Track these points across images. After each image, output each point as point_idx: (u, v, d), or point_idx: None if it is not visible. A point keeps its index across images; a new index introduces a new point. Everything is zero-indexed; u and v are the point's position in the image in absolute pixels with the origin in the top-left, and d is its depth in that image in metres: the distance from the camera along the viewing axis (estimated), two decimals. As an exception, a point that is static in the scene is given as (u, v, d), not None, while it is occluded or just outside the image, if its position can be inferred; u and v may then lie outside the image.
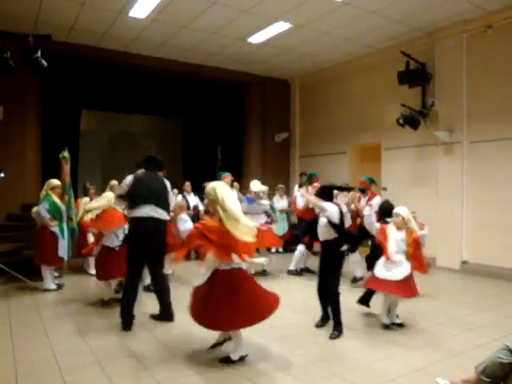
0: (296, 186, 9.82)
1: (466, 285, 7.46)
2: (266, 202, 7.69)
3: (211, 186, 3.87)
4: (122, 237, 5.73)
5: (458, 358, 4.00)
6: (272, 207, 9.75)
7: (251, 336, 4.49)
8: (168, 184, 5.14)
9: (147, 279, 6.02)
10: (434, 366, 3.79)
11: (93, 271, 7.69)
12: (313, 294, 4.93)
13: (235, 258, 3.74)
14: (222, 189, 3.82)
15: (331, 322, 4.70)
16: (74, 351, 4.11)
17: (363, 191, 7.15)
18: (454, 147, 8.47)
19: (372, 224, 6.06)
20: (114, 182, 7.15)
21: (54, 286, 6.53)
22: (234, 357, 3.85)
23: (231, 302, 3.67)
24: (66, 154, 6.79)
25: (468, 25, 8.12)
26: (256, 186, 7.64)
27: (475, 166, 8.18)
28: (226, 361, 3.85)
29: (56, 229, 6.47)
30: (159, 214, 4.83)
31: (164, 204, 4.92)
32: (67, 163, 6.81)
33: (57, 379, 3.49)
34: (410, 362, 3.89)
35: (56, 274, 6.91)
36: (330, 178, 9.64)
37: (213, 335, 4.19)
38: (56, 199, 6.54)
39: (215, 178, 9.97)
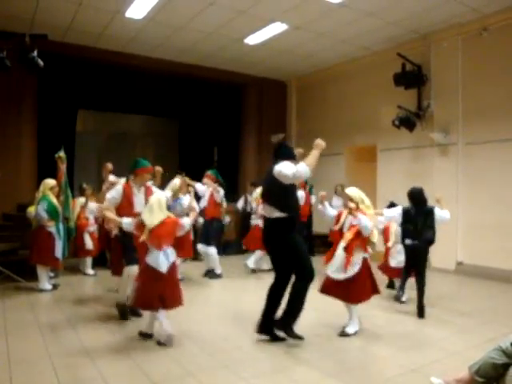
0: None
1: (460, 286, 7.49)
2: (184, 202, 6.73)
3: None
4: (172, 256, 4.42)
5: (452, 358, 4.02)
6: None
7: (245, 338, 4.51)
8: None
9: None
10: (429, 366, 3.80)
11: (89, 271, 7.71)
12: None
13: None
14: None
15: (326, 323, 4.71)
16: (68, 351, 4.10)
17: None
18: (449, 149, 8.51)
19: None
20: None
21: (49, 287, 6.51)
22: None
23: None
24: (61, 153, 6.75)
25: (464, 27, 8.17)
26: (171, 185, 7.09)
27: (470, 168, 8.22)
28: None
29: (53, 229, 6.46)
30: None
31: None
32: (63, 163, 6.78)
33: (52, 379, 3.48)
34: (405, 363, 3.90)
35: (51, 275, 6.90)
36: (326, 179, 9.71)
37: (211, 334, 4.18)
38: (54, 199, 6.54)
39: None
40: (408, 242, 5.51)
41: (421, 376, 3.59)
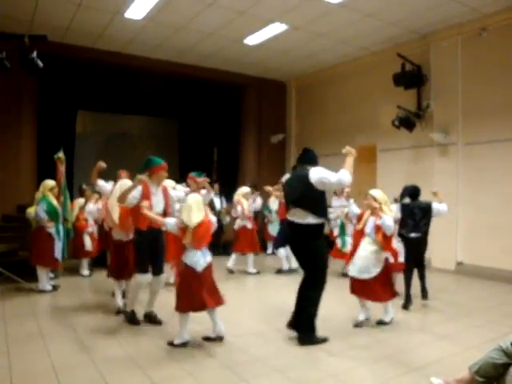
0: None
1: (460, 286, 7.49)
2: None
3: None
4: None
5: (452, 358, 4.02)
6: (267, 208, 9.77)
7: (247, 338, 4.51)
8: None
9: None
10: (429, 366, 3.80)
11: (84, 272, 7.70)
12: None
13: None
14: None
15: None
16: (69, 352, 4.10)
17: None
18: (449, 149, 8.51)
19: None
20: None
21: (49, 287, 6.51)
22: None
23: None
24: (60, 154, 6.75)
25: (463, 27, 8.17)
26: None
27: (470, 168, 8.22)
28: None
29: (52, 230, 6.46)
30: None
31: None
32: (62, 164, 6.77)
33: (52, 381, 3.48)
34: (405, 363, 3.91)
35: (51, 275, 6.90)
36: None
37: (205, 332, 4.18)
38: (53, 200, 6.54)
39: (211, 179, 10.01)
40: (413, 234, 5.65)
41: (421, 376, 3.59)
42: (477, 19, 7.90)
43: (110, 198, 5.51)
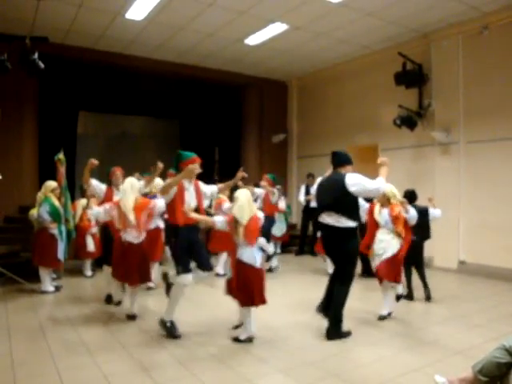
0: (303, 188, 9.91)
1: (463, 285, 7.47)
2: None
3: None
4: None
5: (455, 357, 4.02)
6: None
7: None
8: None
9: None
10: (432, 365, 3.80)
11: (88, 273, 7.71)
12: (309, 291, 4.91)
13: None
14: None
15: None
16: (72, 353, 4.11)
17: None
18: (450, 148, 8.50)
19: None
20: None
21: (51, 288, 6.52)
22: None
23: None
24: (61, 156, 6.75)
25: (464, 26, 8.15)
26: None
27: (472, 166, 8.21)
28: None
29: (55, 231, 6.48)
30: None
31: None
32: (62, 165, 6.77)
33: (55, 381, 3.49)
34: (408, 362, 3.90)
35: (54, 276, 6.91)
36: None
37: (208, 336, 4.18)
38: (55, 201, 6.55)
39: (213, 179, 10.03)
40: (412, 237, 5.64)
41: (423, 375, 3.59)
42: (478, 18, 7.89)
43: (122, 197, 5.12)
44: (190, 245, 4.55)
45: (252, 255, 4.28)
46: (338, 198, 4.46)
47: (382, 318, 5.16)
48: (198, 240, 4.73)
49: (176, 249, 4.57)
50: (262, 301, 4.31)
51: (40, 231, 6.49)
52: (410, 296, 5.99)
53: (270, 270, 8.06)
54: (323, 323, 4.63)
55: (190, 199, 4.60)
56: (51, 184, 6.61)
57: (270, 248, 8.08)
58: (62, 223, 6.61)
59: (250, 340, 4.36)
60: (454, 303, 6.05)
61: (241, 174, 5.22)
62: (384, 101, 9.61)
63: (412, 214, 5.31)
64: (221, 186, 5.29)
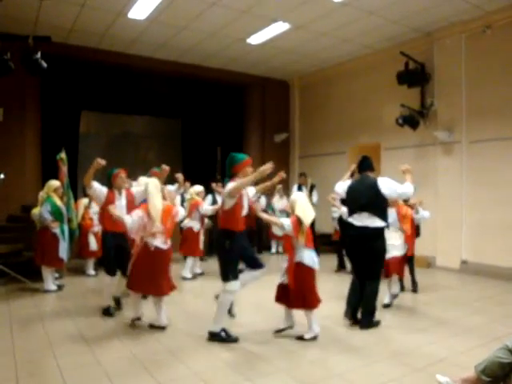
0: (295, 187, 9.86)
1: (465, 284, 7.46)
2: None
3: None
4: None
5: (457, 357, 4.00)
6: (271, 207, 9.79)
7: (251, 337, 4.51)
8: None
9: None
10: (435, 365, 3.79)
11: (91, 272, 7.72)
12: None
13: None
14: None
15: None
16: (74, 352, 4.11)
17: None
18: (453, 147, 8.49)
19: None
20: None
21: (54, 287, 6.53)
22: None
23: None
24: (62, 155, 6.77)
25: (466, 25, 8.14)
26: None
27: (474, 166, 8.19)
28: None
29: (57, 230, 6.49)
30: None
31: None
32: (64, 164, 6.79)
33: (57, 380, 3.49)
34: (410, 362, 3.90)
35: (56, 275, 6.92)
36: (329, 179, 9.69)
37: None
38: (57, 201, 6.56)
39: (215, 178, 10.02)
40: None
41: (426, 375, 3.59)
42: (480, 17, 7.87)
43: (150, 200, 4.69)
44: (243, 249, 4.49)
45: (312, 257, 4.37)
46: (372, 199, 4.78)
47: (386, 305, 5.60)
48: (249, 244, 4.68)
49: (230, 255, 4.37)
50: (319, 301, 4.43)
51: (42, 230, 6.50)
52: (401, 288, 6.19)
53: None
54: (324, 322, 4.62)
55: (245, 203, 4.54)
56: (54, 183, 6.62)
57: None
58: (65, 222, 6.62)
59: (314, 338, 4.42)
60: (456, 303, 6.03)
61: (280, 175, 5.11)
62: (386, 100, 9.60)
63: (421, 214, 5.93)
64: (258, 187, 5.32)
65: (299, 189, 9.66)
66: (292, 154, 12.66)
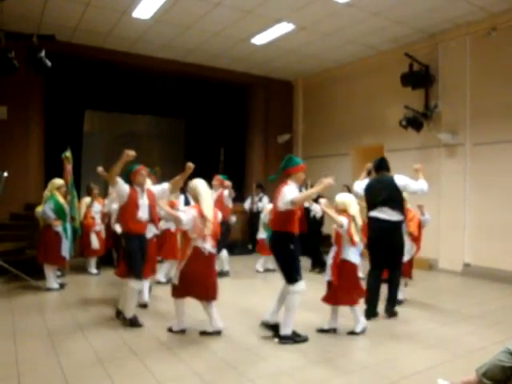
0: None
1: (468, 287, 7.44)
2: None
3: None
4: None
5: (459, 360, 3.99)
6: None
7: (252, 337, 4.51)
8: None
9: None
10: (435, 368, 3.78)
11: (93, 270, 7.74)
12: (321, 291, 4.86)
13: None
14: None
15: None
16: (75, 350, 4.12)
17: None
18: (456, 149, 8.46)
19: None
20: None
21: (56, 285, 6.55)
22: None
23: None
24: (68, 153, 6.81)
25: (472, 27, 8.11)
26: None
27: (478, 169, 8.16)
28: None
29: (60, 228, 6.51)
30: None
31: None
32: (69, 163, 6.83)
33: (58, 378, 3.50)
34: (411, 365, 3.89)
35: (58, 273, 6.94)
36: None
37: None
38: (61, 199, 6.58)
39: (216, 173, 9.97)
40: None
41: (426, 378, 3.58)
42: (485, 18, 7.84)
43: (204, 201, 4.59)
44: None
45: (356, 255, 4.65)
46: (391, 195, 5.25)
47: (399, 302, 5.70)
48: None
49: (293, 257, 4.42)
50: (363, 294, 4.81)
51: (45, 229, 6.53)
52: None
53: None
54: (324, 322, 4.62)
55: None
56: (57, 182, 6.65)
57: None
58: (67, 221, 6.64)
59: (364, 331, 4.66)
60: (458, 306, 6.01)
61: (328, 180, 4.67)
62: (390, 102, 9.57)
63: (427, 217, 6.03)
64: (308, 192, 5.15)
65: (299, 190, 9.60)
66: (295, 155, 12.60)
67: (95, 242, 7.67)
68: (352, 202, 4.70)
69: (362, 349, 4.36)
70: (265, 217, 7.89)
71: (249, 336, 4.59)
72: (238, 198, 8.98)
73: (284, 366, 3.82)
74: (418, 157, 9.20)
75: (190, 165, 5.19)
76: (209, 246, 4.52)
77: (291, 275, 4.36)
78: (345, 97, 11.04)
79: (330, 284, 4.64)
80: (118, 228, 6.41)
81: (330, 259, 4.68)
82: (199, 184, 4.70)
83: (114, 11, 7.77)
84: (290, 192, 4.32)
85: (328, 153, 11.41)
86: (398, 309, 5.43)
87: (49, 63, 7.05)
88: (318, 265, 8.12)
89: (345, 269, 4.55)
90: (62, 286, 6.64)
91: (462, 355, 4.12)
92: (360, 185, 5.65)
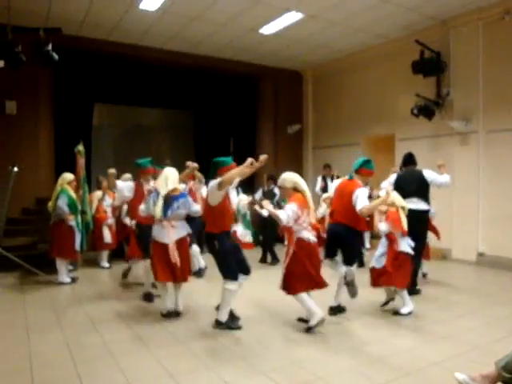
0: (319, 179, 9.85)
1: (482, 277, 7.35)
2: None
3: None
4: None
5: (475, 352, 3.93)
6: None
7: (260, 329, 4.49)
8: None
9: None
10: (451, 360, 3.73)
11: (105, 264, 7.77)
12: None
13: None
14: None
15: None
16: (87, 344, 4.14)
17: None
18: (469, 137, 8.32)
19: None
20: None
21: (68, 280, 6.59)
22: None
23: None
24: (80, 147, 6.85)
25: (484, 11, 7.92)
26: None
27: (491, 156, 8.03)
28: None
29: (73, 223, 6.52)
30: None
31: None
32: (82, 157, 6.85)
33: (70, 371, 3.51)
34: (427, 356, 3.84)
35: (70, 268, 6.97)
36: (343, 170, 9.60)
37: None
38: (72, 193, 6.59)
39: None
40: None
41: (443, 369, 3.53)
42: (498, 2, 7.65)
43: (304, 192, 4.68)
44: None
45: (409, 244, 5.02)
46: (420, 186, 5.90)
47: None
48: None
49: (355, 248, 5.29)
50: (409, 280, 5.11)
51: (57, 223, 6.54)
52: None
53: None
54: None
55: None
56: (68, 176, 6.66)
57: None
58: (79, 215, 6.66)
59: (410, 313, 4.97)
60: (473, 296, 5.94)
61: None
62: (401, 90, 9.43)
63: (432, 210, 6.25)
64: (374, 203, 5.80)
65: (324, 180, 9.75)
66: (305, 145, 12.55)
67: (107, 236, 7.70)
68: (397, 196, 5.08)
69: (377, 340, 4.31)
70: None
71: (259, 328, 4.57)
72: (249, 189, 8.92)
73: (296, 358, 3.79)
74: (430, 145, 9.09)
75: (190, 164, 5.59)
76: (311, 235, 4.49)
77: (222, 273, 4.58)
78: (355, 86, 10.91)
79: (375, 270, 5.02)
80: (127, 221, 6.43)
81: (382, 247, 5.07)
82: (296, 176, 4.85)
83: (120, 3, 7.71)
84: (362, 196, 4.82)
85: (338, 143, 11.30)
86: (412, 299, 5.38)
87: (56, 56, 7.03)
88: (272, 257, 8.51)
89: (399, 258, 4.94)
90: (73, 280, 6.66)
91: (477, 346, 4.06)
92: (388, 182, 6.26)
